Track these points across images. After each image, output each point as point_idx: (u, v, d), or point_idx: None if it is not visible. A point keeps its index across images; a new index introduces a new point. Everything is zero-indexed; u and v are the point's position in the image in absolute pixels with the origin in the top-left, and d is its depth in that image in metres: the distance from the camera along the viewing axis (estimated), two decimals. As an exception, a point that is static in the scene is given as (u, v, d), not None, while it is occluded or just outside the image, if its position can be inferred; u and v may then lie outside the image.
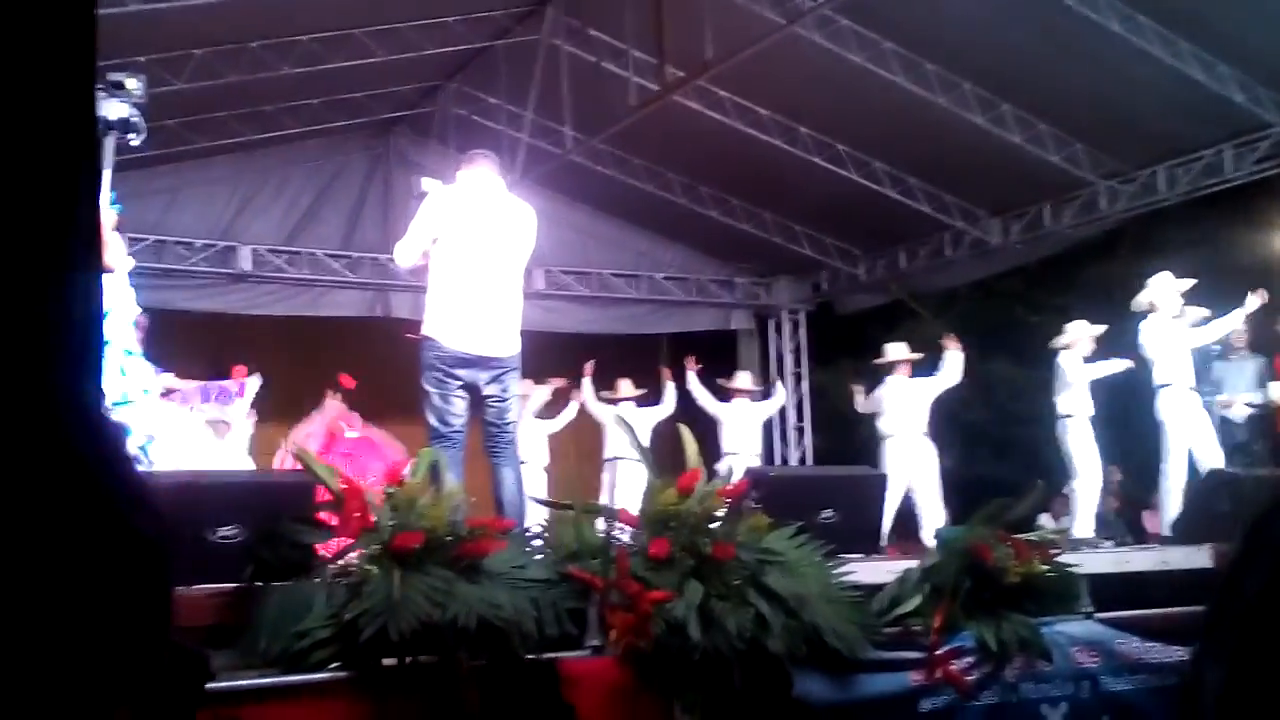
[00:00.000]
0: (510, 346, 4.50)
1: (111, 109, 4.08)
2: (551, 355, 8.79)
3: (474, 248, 4.45)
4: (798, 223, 10.95)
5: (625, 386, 8.81)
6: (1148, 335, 6.72)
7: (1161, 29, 7.43)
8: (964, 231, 10.17)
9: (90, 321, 0.66)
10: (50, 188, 0.64)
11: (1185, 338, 6.74)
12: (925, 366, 8.19)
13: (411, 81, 9.44)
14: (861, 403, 8.33)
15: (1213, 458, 6.43)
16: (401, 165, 10.00)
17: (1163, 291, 6.78)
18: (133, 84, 4.19)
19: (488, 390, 4.42)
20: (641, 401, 8.76)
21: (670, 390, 8.81)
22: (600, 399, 8.71)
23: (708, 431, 8.00)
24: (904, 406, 7.89)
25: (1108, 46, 7.39)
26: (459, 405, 4.40)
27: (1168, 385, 6.60)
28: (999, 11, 7.46)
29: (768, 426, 11.43)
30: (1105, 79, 7.85)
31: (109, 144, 4.18)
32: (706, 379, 8.97)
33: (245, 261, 9.57)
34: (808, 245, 11.13)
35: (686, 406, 8.55)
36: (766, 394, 9.78)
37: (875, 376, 8.27)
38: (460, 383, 4.39)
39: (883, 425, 7.94)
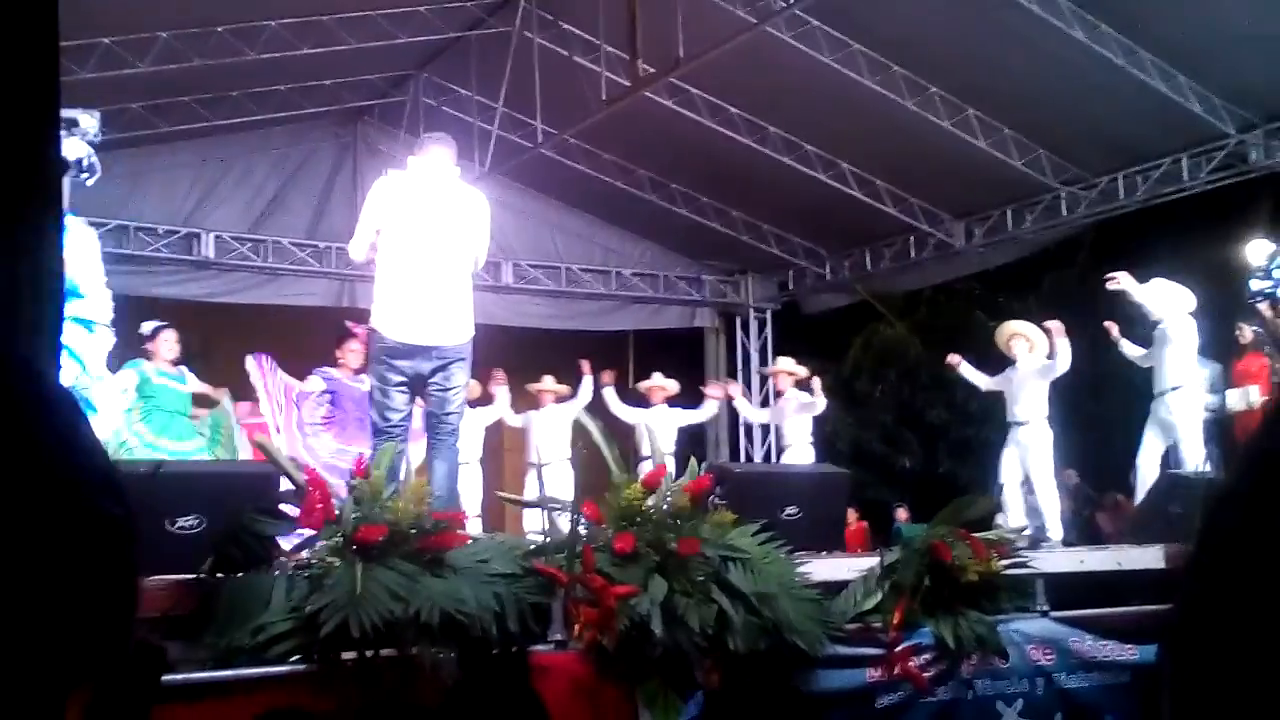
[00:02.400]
0: (455, 335, 4.38)
1: (66, 148, 3.97)
2: (515, 350, 8.76)
3: (417, 236, 4.37)
4: (766, 222, 11.01)
5: (548, 381, 8.63)
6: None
7: (1124, 39, 7.57)
8: (928, 234, 10.29)
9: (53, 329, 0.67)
10: (13, 224, 0.65)
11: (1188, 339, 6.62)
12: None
13: (382, 70, 9.35)
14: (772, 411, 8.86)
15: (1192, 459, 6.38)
16: (370, 154, 9.91)
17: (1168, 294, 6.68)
18: (88, 121, 4.09)
19: (431, 380, 4.34)
20: (564, 398, 8.54)
21: (586, 383, 8.52)
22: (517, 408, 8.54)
23: (628, 432, 8.03)
24: (791, 421, 8.38)
25: (1071, 55, 7.51)
26: (398, 400, 4.33)
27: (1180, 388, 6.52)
28: (966, 18, 7.55)
29: (733, 424, 11.50)
30: (1068, 87, 7.98)
31: (64, 184, 4.08)
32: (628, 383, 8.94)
33: (209, 249, 9.43)
34: (775, 244, 11.20)
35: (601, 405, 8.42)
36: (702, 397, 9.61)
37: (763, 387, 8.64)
38: (402, 376, 4.32)
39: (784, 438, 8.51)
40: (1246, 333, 7.56)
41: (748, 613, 3.44)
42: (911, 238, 10.44)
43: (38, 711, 0.55)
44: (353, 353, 6.82)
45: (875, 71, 8.22)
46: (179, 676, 2.84)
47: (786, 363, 8.63)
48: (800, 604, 3.57)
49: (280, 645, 3.03)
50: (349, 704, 2.96)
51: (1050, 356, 6.85)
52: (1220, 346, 7.94)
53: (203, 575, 3.18)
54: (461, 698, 2.92)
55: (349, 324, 6.95)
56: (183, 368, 6.87)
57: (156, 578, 3.15)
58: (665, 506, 3.61)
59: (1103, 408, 11.01)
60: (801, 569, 3.72)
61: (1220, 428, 7.65)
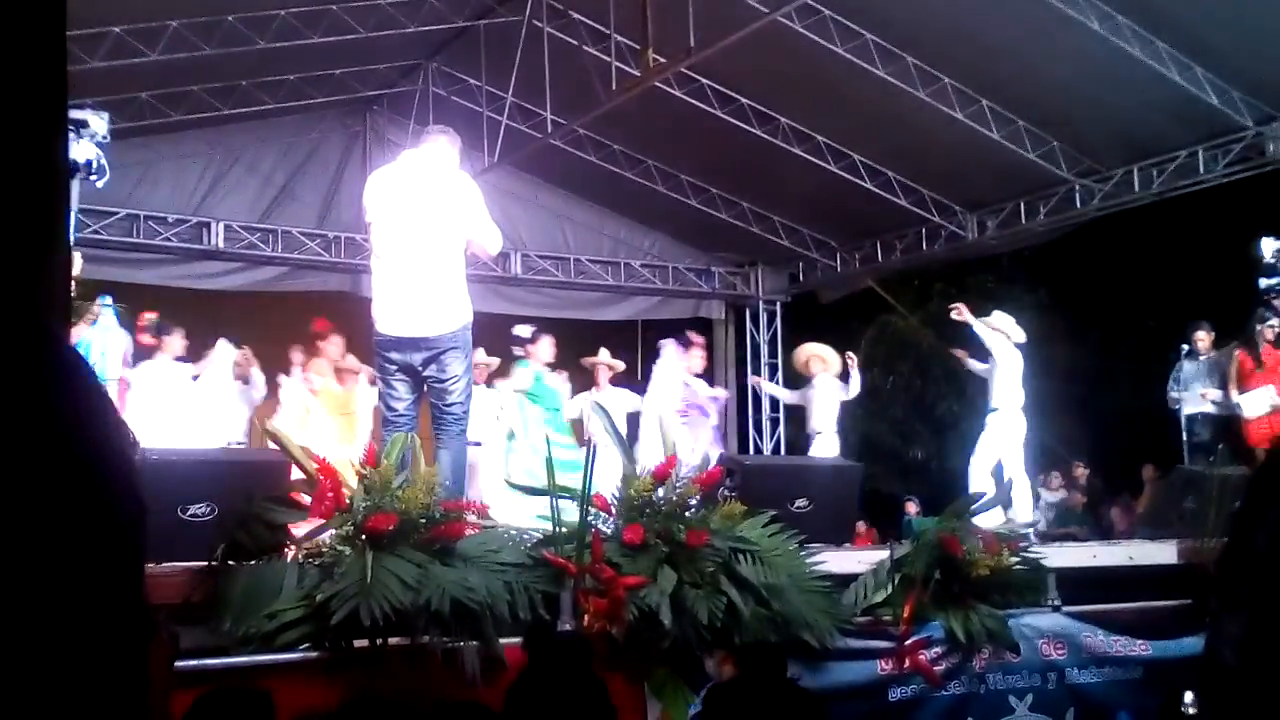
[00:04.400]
0: (443, 325, 4.35)
1: (76, 150, 3.95)
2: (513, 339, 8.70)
3: (400, 229, 4.39)
4: (776, 213, 10.96)
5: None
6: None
7: (1140, 30, 7.49)
8: (940, 226, 10.23)
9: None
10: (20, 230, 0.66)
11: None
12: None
13: (391, 60, 9.33)
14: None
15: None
16: (380, 144, 9.89)
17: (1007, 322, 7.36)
18: (97, 123, 4.07)
19: (426, 372, 4.34)
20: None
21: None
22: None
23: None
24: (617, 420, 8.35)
25: (1087, 46, 7.44)
26: (400, 389, 4.35)
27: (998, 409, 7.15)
28: (980, 8, 7.48)
29: (742, 417, 11.48)
30: (1083, 78, 7.90)
31: (73, 186, 4.06)
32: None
33: (218, 238, 9.44)
34: (785, 236, 11.15)
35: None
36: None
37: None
38: (397, 367, 4.33)
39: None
40: (1268, 329, 7.50)
41: (757, 604, 3.44)
42: (923, 229, 10.38)
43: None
44: (696, 357, 7.65)
45: (887, 62, 8.16)
46: (192, 662, 2.85)
47: (605, 355, 8.36)
48: (810, 596, 3.56)
49: (291, 633, 3.04)
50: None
51: (844, 379, 7.85)
52: (1230, 340, 7.88)
53: (214, 563, 3.18)
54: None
55: (689, 333, 7.90)
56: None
57: (169, 565, 3.15)
58: (675, 498, 3.61)
59: (1110, 401, 10.95)
60: (812, 561, 3.71)
61: (1226, 423, 7.60)
